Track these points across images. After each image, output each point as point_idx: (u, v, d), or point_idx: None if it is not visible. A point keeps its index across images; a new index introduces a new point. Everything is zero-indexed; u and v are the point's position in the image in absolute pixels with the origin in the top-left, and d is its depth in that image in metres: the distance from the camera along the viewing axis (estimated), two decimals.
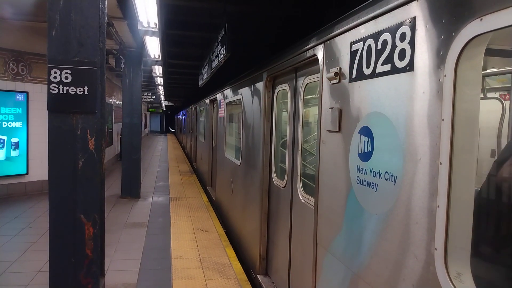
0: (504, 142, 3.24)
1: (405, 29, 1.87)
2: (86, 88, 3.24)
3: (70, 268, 3.29)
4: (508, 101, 3.26)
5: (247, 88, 5.62)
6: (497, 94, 3.93)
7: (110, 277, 4.60)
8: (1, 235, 6.17)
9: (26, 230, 6.52)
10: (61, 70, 3.20)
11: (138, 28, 5.98)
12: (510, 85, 3.33)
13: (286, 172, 4.01)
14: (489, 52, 3.00)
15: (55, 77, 3.20)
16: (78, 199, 3.27)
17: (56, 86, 3.20)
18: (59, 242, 3.28)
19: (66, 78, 3.21)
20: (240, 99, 6.08)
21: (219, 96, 8.64)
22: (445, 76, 1.59)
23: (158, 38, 6.55)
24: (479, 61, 1.58)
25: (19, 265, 5.02)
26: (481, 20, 1.43)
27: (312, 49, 3.13)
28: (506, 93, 3.77)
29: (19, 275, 4.70)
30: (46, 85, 9.34)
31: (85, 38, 3.23)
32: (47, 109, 3.22)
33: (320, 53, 2.94)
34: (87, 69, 3.24)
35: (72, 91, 3.22)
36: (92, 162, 3.29)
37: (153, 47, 7.99)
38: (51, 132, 3.25)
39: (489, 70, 3.54)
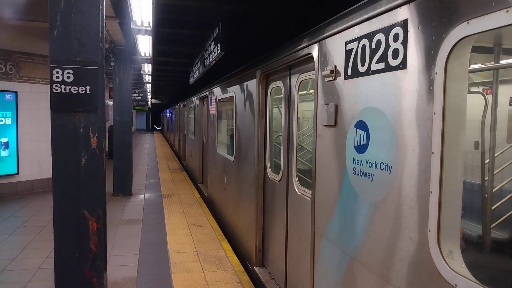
0: (487, 135, 3.45)
1: (398, 30, 2.03)
2: (87, 87, 3.31)
3: (75, 262, 3.37)
4: (490, 95, 3.46)
5: (239, 85, 5.73)
6: (480, 89, 4.15)
7: (110, 272, 4.66)
8: None
9: (21, 229, 6.54)
10: (63, 70, 3.26)
11: (131, 27, 6.04)
12: (492, 79, 3.53)
13: (282, 167, 4.15)
14: (472, 49, 3.20)
15: (57, 77, 3.26)
16: (81, 195, 3.35)
17: (59, 85, 3.26)
18: (64, 237, 3.35)
19: (68, 77, 3.28)
20: (232, 96, 6.19)
21: (210, 93, 8.72)
22: (436, 73, 1.76)
23: (150, 36, 6.62)
24: (466, 59, 1.75)
25: (18, 262, 5.07)
26: (467, 23, 1.59)
27: (307, 47, 3.28)
28: (488, 87, 3.98)
29: (19, 273, 4.75)
30: (35, 85, 9.20)
31: (86, 38, 3.29)
32: (50, 108, 3.28)
33: (315, 51, 3.09)
34: (89, 69, 3.31)
35: (74, 90, 3.29)
36: (95, 159, 3.37)
37: (144, 45, 8.03)
38: (54, 131, 3.31)
39: (472, 66, 3.74)
